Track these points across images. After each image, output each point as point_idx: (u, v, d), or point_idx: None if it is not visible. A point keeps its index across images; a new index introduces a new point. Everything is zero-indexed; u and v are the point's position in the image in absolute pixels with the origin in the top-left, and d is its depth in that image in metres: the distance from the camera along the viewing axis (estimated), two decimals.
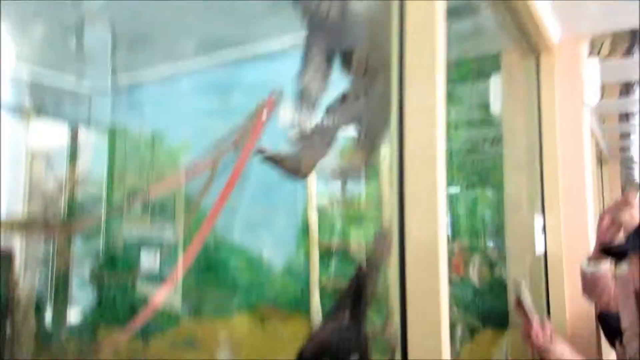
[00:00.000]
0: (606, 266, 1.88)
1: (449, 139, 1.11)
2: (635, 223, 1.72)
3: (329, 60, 1.37)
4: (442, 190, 1.06)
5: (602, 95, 4.28)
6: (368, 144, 1.43)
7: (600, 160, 5.96)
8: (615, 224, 1.83)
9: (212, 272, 3.41)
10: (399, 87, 1.12)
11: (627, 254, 1.56)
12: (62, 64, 3.58)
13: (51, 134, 3.68)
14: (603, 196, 5.87)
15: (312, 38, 1.36)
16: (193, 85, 3.63)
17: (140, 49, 3.44)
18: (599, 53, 3.46)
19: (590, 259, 1.91)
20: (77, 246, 3.46)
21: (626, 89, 3.74)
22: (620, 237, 1.82)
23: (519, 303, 1.77)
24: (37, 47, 3.24)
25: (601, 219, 1.88)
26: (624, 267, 1.63)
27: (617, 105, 4.18)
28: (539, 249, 2.35)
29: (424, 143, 1.07)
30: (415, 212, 1.07)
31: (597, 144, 5.05)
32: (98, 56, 3.43)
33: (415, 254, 1.05)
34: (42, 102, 3.59)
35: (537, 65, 2.51)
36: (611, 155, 6.14)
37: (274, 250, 3.53)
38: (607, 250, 1.80)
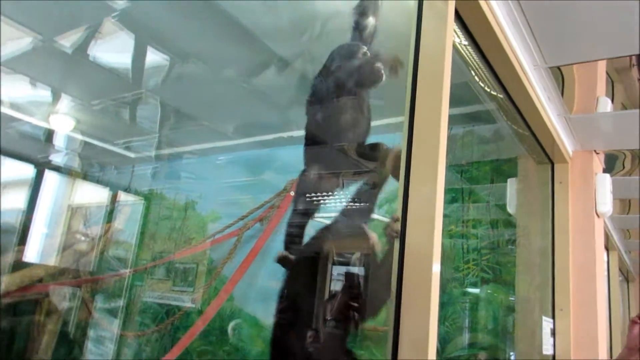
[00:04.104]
0: None
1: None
2: None
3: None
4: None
5: (628, 211, 4.30)
6: None
7: (627, 278, 5.84)
8: None
9: (225, 337, 3.43)
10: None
11: None
12: (113, 134, 3.92)
13: (93, 195, 3.95)
14: (629, 313, 5.67)
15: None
16: (229, 160, 3.87)
17: (186, 126, 3.76)
18: (623, 167, 3.54)
19: None
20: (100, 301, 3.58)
21: None
22: None
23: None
24: (94, 120, 3.58)
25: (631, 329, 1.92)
26: None
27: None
28: (547, 351, 2.34)
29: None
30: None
31: (620, 260, 4.99)
32: (147, 129, 3.76)
33: None
34: (89, 166, 3.90)
35: (552, 173, 2.62)
36: (637, 273, 6.00)
37: None
38: None
